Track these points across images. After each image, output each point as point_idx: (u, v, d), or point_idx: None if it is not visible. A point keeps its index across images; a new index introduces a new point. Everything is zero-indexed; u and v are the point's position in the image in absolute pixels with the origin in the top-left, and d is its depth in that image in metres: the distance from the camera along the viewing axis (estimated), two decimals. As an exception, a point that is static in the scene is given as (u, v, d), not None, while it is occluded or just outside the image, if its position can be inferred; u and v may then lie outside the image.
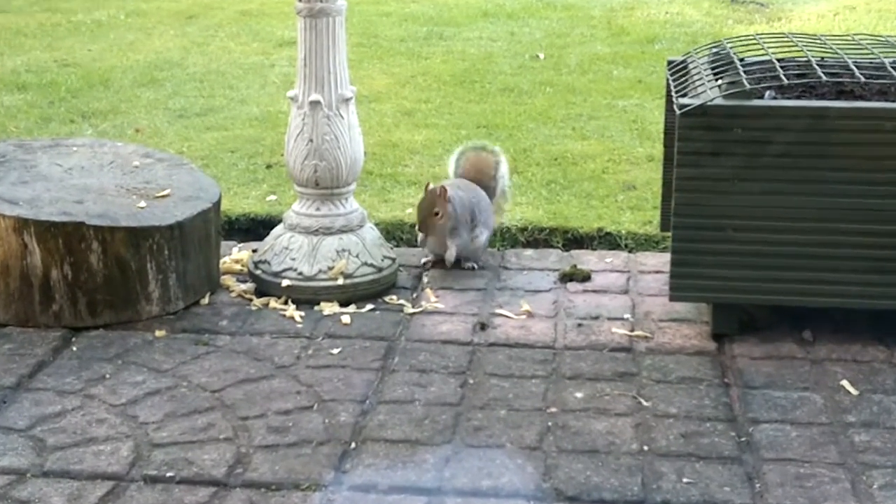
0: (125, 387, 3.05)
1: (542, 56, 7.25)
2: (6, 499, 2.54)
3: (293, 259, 3.64)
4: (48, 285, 3.37)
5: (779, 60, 3.51)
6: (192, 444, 2.76)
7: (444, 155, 5.14)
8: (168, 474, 2.63)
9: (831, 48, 3.63)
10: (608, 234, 4.18)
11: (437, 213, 3.67)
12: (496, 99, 6.19)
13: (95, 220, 3.37)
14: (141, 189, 3.68)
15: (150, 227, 3.42)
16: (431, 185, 3.69)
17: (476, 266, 3.79)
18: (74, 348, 3.29)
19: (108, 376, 3.11)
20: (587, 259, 3.96)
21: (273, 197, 4.60)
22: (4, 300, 3.40)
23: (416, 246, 4.11)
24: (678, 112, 3.14)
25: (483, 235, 3.79)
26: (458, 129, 5.56)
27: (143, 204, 3.55)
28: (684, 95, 3.27)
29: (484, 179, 3.91)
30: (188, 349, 3.28)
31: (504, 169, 3.97)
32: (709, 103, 3.14)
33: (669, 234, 3.38)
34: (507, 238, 4.20)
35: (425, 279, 3.76)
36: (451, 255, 3.75)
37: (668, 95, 3.62)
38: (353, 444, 2.77)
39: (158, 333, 3.38)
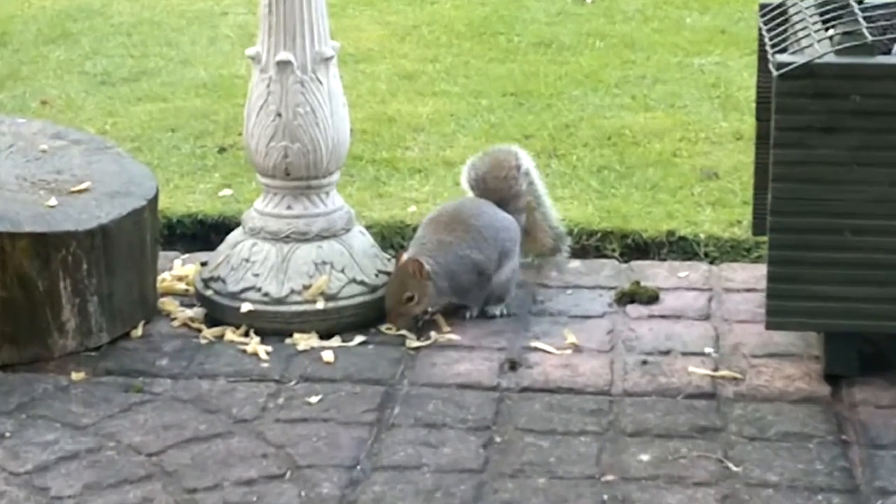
0: (31, 448, 3.05)
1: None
2: None
3: (256, 275, 3.64)
4: (-73, 312, 3.39)
5: (912, 3, 3.50)
6: (122, 527, 2.76)
7: (459, 132, 5.15)
8: (90, 567, 2.64)
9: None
10: (682, 238, 4.17)
11: (410, 299, 3.61)
12: (527, 56, 6.19)
13: (-10, 225, 3.39)
14: (50, 182, 3.68)
15: (62, 233, 3.43)
16: (404, 257, 3.65)
17: (504, 311, 3.75)
18: (-38, 397, 3.30)
19: (8, 434, 3.11)
20: (653, 273, 3.96)
21: (228, 191, 4.60)
22: None
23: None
24: (775, 73, 3.14)
25: (506, 269, 3.75)
26: (475, 98, 5.56)
27: (53, 202, 3.56)
28: (783, 51, 3.26)
29: (504, 189, 3.90)
30: (116, 398, 3.28)
31: (527, 165, 3.95)
32: (817, 61, 3.13)
33: (765, 238, 3.37)
34: (545, 245, 4.20)
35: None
36: (472, 312, 3.75)
37: (762, 51, 3.62)
38: (339, 526, 2.77)
39: (76, 377, 3.38)
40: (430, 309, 3.68)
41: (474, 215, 3.76)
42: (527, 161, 3.97)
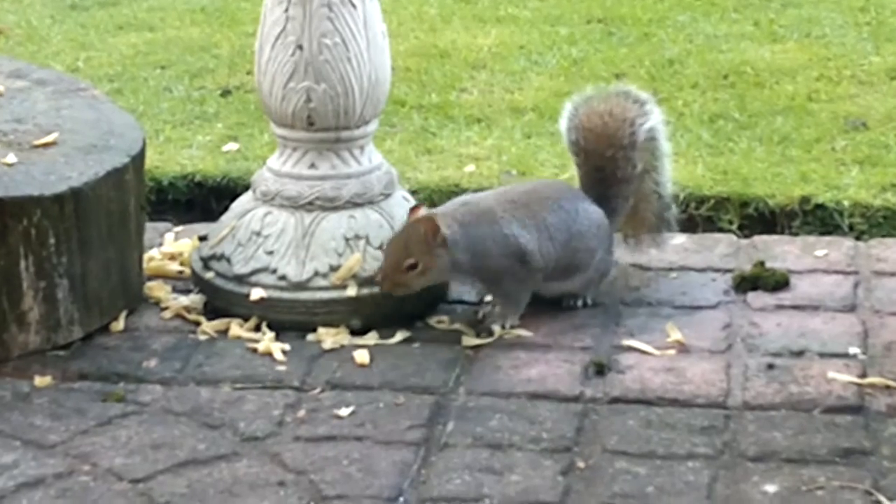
0: (-16, 473, 3.09)
1: None
2: None
3: (270, 253, 3.67)
4: None
5: None
6: (99, 573, 2.80)
7: (530, 70, 5.14)
8: None
9: None
10: (820, 207, 4.16)
11: (412, 266, 3.56)
12: (620, -28, 6.19)
13: (-69, 187, 3.42)
14: (8, 133, 3.72)
15: (23, 198, 3.46)
16: (421, 211, 3.65)
17: (587, 301, 3.77)
18: None
19: (-46, 455, 3.15)
20: (783, 251, 3.96)
21: (233, 146, 4.62)
22: None
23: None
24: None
25: (590, 267, 3.73)
26: (552, 26, 5.57)
27: (11, 159, 3.60)
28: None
29: (610, 162, 3.79)
30: (91, 409, 3.31)
31: (653, 123, 3.85)
32: None
33: (929, 206, 3.36)
34: (643, 215, 4.20)
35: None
36: (504, 321, 3.68)
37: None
38: (377, 574, 2.79)
39: (40, 382, 3.41)
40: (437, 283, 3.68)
41: (549, 207, 3.70)
42: (655, 117, 3.87)
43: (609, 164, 3.76)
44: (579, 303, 3.73)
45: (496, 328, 3.61)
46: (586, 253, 3.69)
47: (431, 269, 3.57)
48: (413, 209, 3.64)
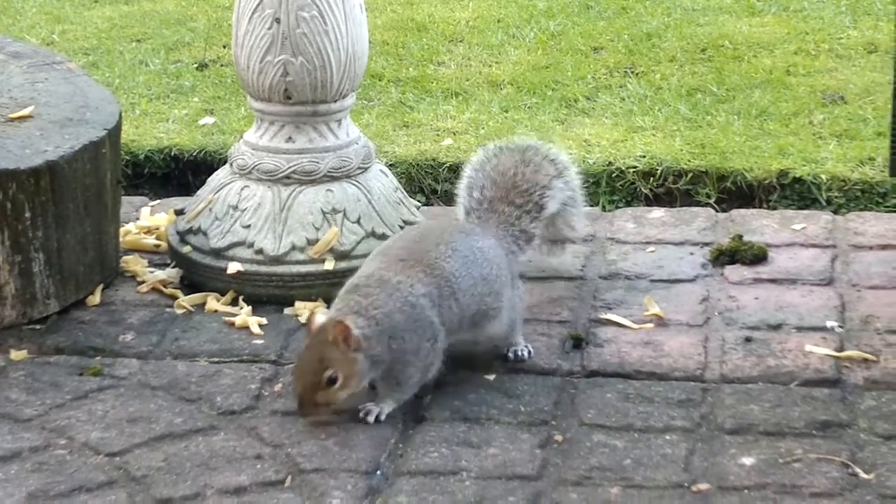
0: (-40, 447, 3.09)
1: None
2: None
3: (247, 227, 3.67)
4: None
5: None
6: (76, 547, 2.80)
7: (507, 44, 5.14)
8: None
9: None
10: (797, 181, 4.17)
11: (332, 381, 3.16)
12: (598, -55, 6.19)
13: None
14: (-17, 106, 3.72)
15: (1, 171, 3.46)
16: (320, 317, 3.24)
17: (519, 352, 3.44)
18: None
19: (-70, 429, 3.16)
20: (760, 225, 3.97)
21: (210, 119, 4.62)
22: None
23: (454, 203, 4.14)
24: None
25: (502, 309, 3.38)
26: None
27: (-13, 132, 3.60)
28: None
29: (517, 211, 3.53)
30: (67, 383, 3.32)
31: (566, 176, 3.59)
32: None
33: (906, 180, 3.37)
34: (621, 189, 4.21)
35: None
36: (381, 410, 3.24)
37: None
38: (354, 547, 2.80)
39: (16, 356, 3.42)
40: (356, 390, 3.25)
41: (443, 254, 3.32)
42: (567, 175, 3.59)
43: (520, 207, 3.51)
44: (523, 352, 3.42)
45: (373, 415, 3.20)
46: (494, 297, 3.35)
47: (351, 378, 3.17)
48: (310, 317, 3.27)
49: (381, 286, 3.22)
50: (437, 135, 4.49)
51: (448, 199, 4.18)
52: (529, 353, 3.42)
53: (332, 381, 3.13)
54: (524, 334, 3.45)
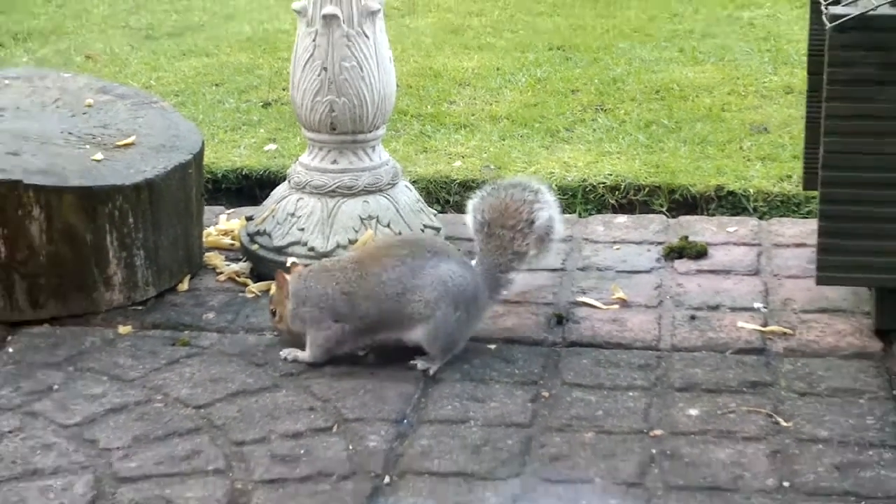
0: (80, 401, 3.09)
1: (636, -49, 7.21)
2: (-77, 551, 2.59)
3: (301, 230, 3.67)
4: (-26, 266, 3.43)
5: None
6: (170, 479, 2.79)
7: (505, 87, 5.14)
8: (139, 519, 2.68)
9: None
10: (731, 193, 4.17)
11: (273, 312, 3.31)
12: (574, 10, 6.18)
13: (36, 179, 3.41)
14: (96, 136, 3.71)
15: (109, 187, 3.45)
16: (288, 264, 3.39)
17: (432, 367, 3.21)
18: (11, 350, 3.33)
19: (56, 387, 3.15)
20: (702, 228, 3.96)
21: (273, 146, 4.62)
22: (-84, 286, 3.46)
23: (462, 211, 4.14)
24: (829, 26, 3.12)
25: (430, 318, 3.19)
26: (521, 52, 5.56)
27: (99, 156, 3.58)
28: (837, 3, 3.24)
29: (510, 224, 3.40)
30: (163, 351, 3.32)
31: (547, 210, 3.44)
32: (872, 13, 3.11)
33: (815, 193, 3.35)
34: (592, 200, 4.20)
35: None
36: (302, 355, 3.27)
37: (815, 3, 3.59)
38: (386, 479, 2.79)
39: (123, 330, 3.42)
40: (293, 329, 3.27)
41: (388, 264, 3.22)
42: (549, 209, 3.44)
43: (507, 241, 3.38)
44: (431, 369, 3.20)
45: (288, 357, 3.26)
46: (421, 304, 3.17)
47: (282, 316, 3.27)
48: (284, 269, 3.32)
49: (330, 269, 3.26)
50: (450, 158, 4.48)
51: (458, 208, 4.18)
52: (430, 372, 3.19)
53: (273, 313, 3.31)
54: (449, 360, 3.23)
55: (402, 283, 3.20)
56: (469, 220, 3.43)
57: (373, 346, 3.27)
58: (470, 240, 3.58)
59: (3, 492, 2.77)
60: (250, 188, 4.34)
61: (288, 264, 3.55)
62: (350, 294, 3.21)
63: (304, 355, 3.26)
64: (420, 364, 3.22)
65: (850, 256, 3.23)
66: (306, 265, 3.36)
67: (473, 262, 3.38)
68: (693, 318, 3.45)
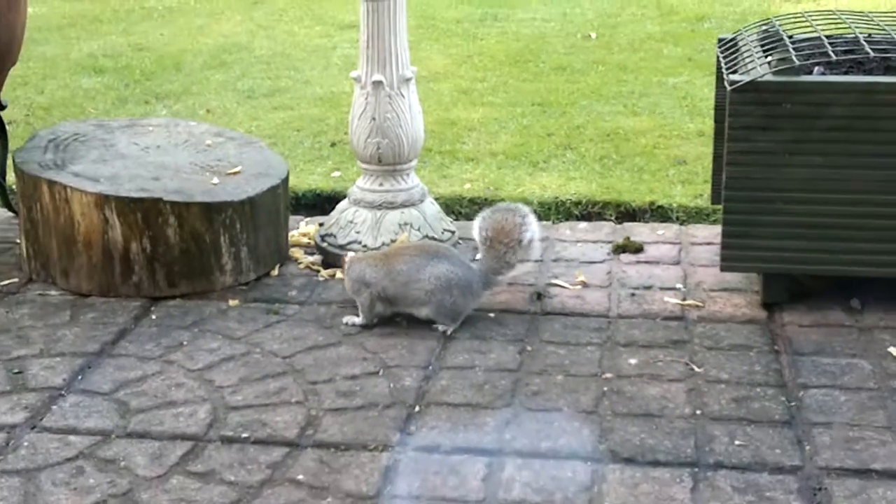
0: (201, 353, 3.10)
1: (594, 36, 7.19)
2: (92, 458, 2.60)
3: (358, 232, 3.66)
4: (128, 258, 3.42)
5: (827, 37, 3.45)
6: (265, 407, 2.80)
7: (500, 132, 5.14)
8: (243, 435, 2.67)
9: (878, 24, 3.57)
10: (660, 207, 4.15)
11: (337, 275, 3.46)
12: (550, 77, 6.16)
13: (172, 196, 3.42)
14: (214, 166, 3.71)
15: (223, 202, 3.46)
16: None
17: (447, 330, 3.19)
18: (154, 317, 3.34)
19: (185, 343, 3.16)
20: (640, 231, 3.94)
21: (337, 173, 4.62)
22: (87, 272, 3.47)
23: (470, 220, 4.13)
24: (729, 88, 3.11)
25: (430, 303, 3.18)
26: (513, 107, 5.55)
27: (216, 181, 3.59)
28: (735, 72, 3.23)
29: (505, 241, 3.31)
30: (260, 318, 3.32)
31: (530, 231, 3.34)
32: (759, 79, 3.11)
33: (720, 206, 3.35)
34: (562, 211, 4.19)
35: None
36: (356, 319, 3.26)
37: (719, 72, 3.58)
38: (417, 408, 2.79)
39: (232, 303, 3.42)
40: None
41: (403, 260, 3.21)
42: (532, 228, 3.33)
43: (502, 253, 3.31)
44: (448, 331, 3.18)
45: (348, 322, 3.25)
46: (421, 292, 3.16)
47: (345, 286, 3.29)
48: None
49: (367, 259, 3.28)
50: (462, 182, 4.48)
51: (468, 217, 4.17)
52: (445, 332, 3.18)
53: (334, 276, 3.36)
54: (460, 324, 3.20)
55: (407, 276, 3.19)
56: (475, 231, 3.38)
57: (403, 315, 3.26)
58: (474, 239, 3.57)
59: (149, 415, 2.78)
60: (322, 203, 4.34)
61: (348, 256, 3.56)
62: (375, 277, 3.21)
63: (358, 319, 3.26)
64: (440, 327, 3.22)
65: (744, 251, 3.23)
66: (358, 256, 3.36)
67: (474, 261, 3.36)
68: (633, 294, 3.44)
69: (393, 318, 3.27)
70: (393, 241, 3.60)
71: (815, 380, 2.88)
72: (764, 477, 2.48)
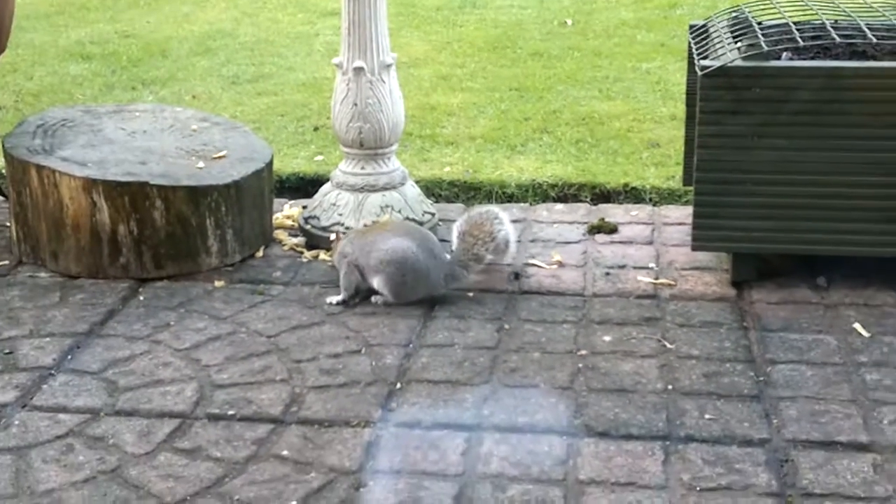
0: (188, 333, 3.09)
1: (569, 22, 7.18)
2: (82, 435, 2.59)
3: (340, 214, 3.65)
4: (116, 240, 3.41)
5: (795, 23, 3.46)
6: (250, 385, 2.80)
7: (479, 116, 5.13)
8: (229, 412, 2.67)
9: (845, 11, 3.58)
10: (633, 188, 4.16)
11: (328, 249, 3.48)
12: (527, 63, 6.15)
13: (158, 180, 3.40)
14: (199, 151, 3.69)
15: (208, 185, 3.44)
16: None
17: (377, 301, 3.22)
18: (141, 298, 3.33)
19: (172, 323, 3.15)
20: (614, 212, 3.95)
21: (320, 157, 4.61)
22: (76, 254, 3.45)
23: (453, 201, 4.13)
24: (700, 73, 3.11)
25: (376, 279, 3.20)
26: (491, 92, 5.53)
27: (201, 165, 3.57)
28: (705, 57, 3.23)
29: (475, 234, 3.30)
30: (245, 298, 3.31)
31: (504, 230, 3.34)
32: (729, 64, 3.11)
33: (692, 188, 3.36)
34: (539, 193, 4.19)
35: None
36: (338, 297, 3.27)
37: (690, 58, 3.58)
38: (398, 385, 2.79)
39: (218, 284, 3.41)
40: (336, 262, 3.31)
41: (377, 238, 3.24)
42: (506, 228, 3.33)
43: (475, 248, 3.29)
44: (377, 299, 3.23)
45: (330, 301, 3.25)
46: (376, 261, 3.18)
47: (334, 259, 3.33)
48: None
49: (349, 234, 3.33)
50: (441, 165, 4.47)
51: (447, 199, 4.18)
52: (384, 303, 3.21)
53: (328, 249, 3.36)
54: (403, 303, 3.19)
55: (372, 245, 3.21)
56: (453, 228, 3.37)
57: (375, 293, 3.24)
58: (454, 221, 3.56)
59: (137, 394, 2.77)
60: (305, 187, 4.32)
61: (332, 239, 3.55)
62: (351, 248, 3.25)
63: (338, 297, 3.26)
64: (377, 299, 3.22)
65: (714, 231, 3.24)
66: (341, 234, 3.39)
67: (449, 253, 3.33)
68: (607, 274, 3.44)
69: (371, 297, 3.27)
70: (375, 223, 3.60)
71: (783, 355, 2.90)
72: (733, 450, 2.50)
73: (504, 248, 3.36)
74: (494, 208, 3.42)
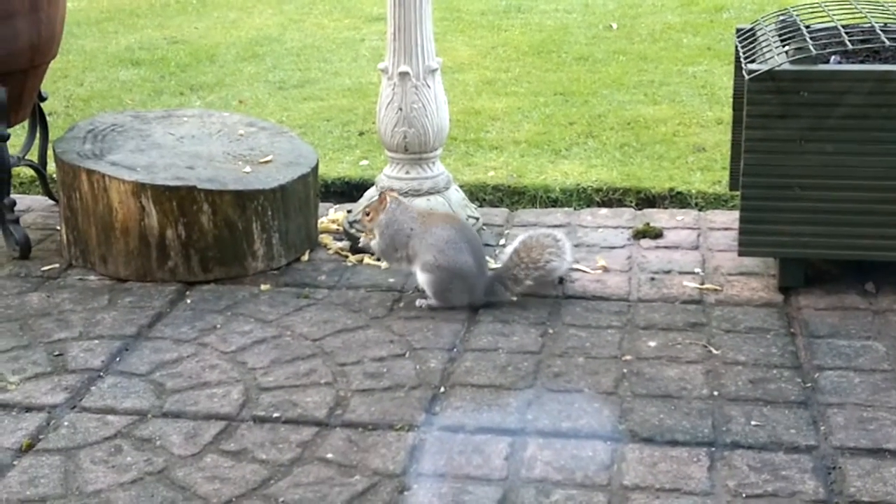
0: (235, 336, 3.11)
1: (615, 26, 7.15)
2: (130, 437, 2.62)
3: (385, 219, 3.66)
4: (164, 244, 3.44)
5: (843, 26, 3.42)
6: (295, 388, 2.81)
7: (523, 121, 5.13)
8: (275, 415, 2.69)
9: (894, 14, 3.53)
10: (679, 193, 4.13)
11: (367, 213, 3.29)
12: (572, 67, 6.13)
13: (206, 185, 3.43)
14: (246, 155, 3.72)
15: (255, 190, 3.47)
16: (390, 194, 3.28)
17: (422, 305, 3.20)
18: (188, 301, 3.36)
19: (219, 326, 3.18)
20: (659, 217, 3.93)
21: (365, 162, 4.62)
22: (125, 258, 3.49)
23: (497, 206, 4.13)
24: (747, 77, 3.09)
25: (421, 275, 3.18)
26: (536, 97, 5.52)
27: (248, 169, 3.60)
28: (753, 61, 3.21)
29: (525, 258, 3.23)
30: (291, 302, 3.33)
31: (559, 260, 3.23)
32: (777, 68, 3.08)
33: (738, 192, 3.33)
34: (583, 198, 4.18)
35: (505, 238, 3.76)
36: (372, 245, 3.30)
37: (737, 61, 3.55)
38: (442, 389, 2.79)
39: (264, 287, 3.43)
40: (370, 239, 3.28)
41: (435, 221, 3.23)
42: (565, 257, 3.24)
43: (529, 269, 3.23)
44: (421, 303, 3.22)
45: (421, 305, 3.23)
46: (432, 263, 3.16)
47: (374, 219, 3.25)
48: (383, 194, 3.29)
49: (409, 210, 3.27)
50: (485, 170, 4.47)
51: (491, 204, 4.18)
52: (428, 307, 3.20)
53: (367, 213, 3.29)
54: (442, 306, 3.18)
55: (431, 237, 3.17)
56: (515, 241, 3.30)
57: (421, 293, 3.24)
58: (499, 225, 3.57)
59: (184, 396, 2.80)
60: (350, 191, 4.34)
61: (377, 196, 3.43)
62: (415, 225, 3.21)
63: (429, 302, 3.19)
64: (423, 304, 3.22)
65: (761, 236, 3.21)
66: (399, 198, 3.30)
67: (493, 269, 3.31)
68: (652, 279, 3.43)
69: (416, 300, 3.28)
70: (434, 211, 3.54)
71: (830, 362, 2.86)
72: (779, 456, 2.47)
73: (550, 280, 3.26)
74: (561, 237, 3.26)
